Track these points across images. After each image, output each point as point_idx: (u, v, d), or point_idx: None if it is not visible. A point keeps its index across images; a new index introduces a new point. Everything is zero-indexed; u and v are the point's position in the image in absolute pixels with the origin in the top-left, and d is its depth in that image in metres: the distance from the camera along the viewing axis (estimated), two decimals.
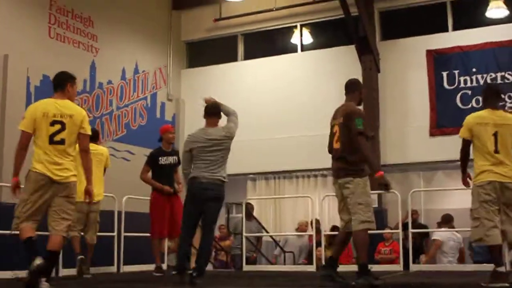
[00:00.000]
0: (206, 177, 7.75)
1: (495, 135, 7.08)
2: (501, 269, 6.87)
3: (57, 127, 6.74)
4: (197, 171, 7.81)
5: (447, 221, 13.04)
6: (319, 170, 15.83)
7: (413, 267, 11.12)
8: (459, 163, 7.41)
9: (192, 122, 17.12)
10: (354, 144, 7.21)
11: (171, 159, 10.40)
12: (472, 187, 7.24)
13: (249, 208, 13.71)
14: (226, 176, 7.91)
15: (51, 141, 6.69)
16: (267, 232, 15.28)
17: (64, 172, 6.64)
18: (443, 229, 12.98)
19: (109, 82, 15.38)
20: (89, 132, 7.09)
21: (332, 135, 7.53)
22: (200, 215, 7.86)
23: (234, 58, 17.78)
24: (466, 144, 7.28)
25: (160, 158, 10.32)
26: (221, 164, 7.88)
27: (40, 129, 6.71)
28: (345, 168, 7.27)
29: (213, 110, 8.22)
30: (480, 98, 8.43)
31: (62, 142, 6.71)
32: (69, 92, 7.22)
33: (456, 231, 12.92)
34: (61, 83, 7.27)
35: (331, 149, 7.56)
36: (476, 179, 7.16)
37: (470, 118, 7.31)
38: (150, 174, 10.41)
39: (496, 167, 7.04)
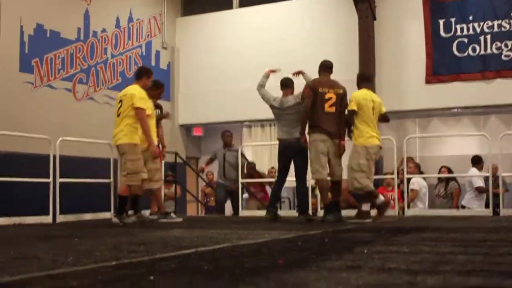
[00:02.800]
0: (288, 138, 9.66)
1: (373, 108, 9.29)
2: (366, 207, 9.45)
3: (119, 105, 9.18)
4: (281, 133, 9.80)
5: (476, 162, 13.00)
6: None
7: (409, 212, 11.45)
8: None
9: (186, 70, 17.10)
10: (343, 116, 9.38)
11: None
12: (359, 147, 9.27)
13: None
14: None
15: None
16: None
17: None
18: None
19: (103, 30, 15.27)
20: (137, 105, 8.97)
21: (323, 97, 9.19)
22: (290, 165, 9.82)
23: (229, 6, 17.64)
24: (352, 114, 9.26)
25: None
26: (296, 125, 9.46)
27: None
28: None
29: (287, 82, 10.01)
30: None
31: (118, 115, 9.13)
32: (144, 82, 9.37)
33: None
34: (139, 75, 9.44)
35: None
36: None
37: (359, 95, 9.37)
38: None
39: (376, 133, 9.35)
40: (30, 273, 3.38)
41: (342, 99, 9.30)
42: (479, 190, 12.57)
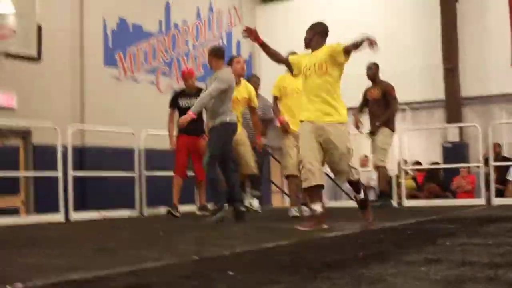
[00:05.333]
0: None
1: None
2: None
3: None
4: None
5: None
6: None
7: (496, 201, 10.73)
8: None
9: (268, 60, 17.06)
10: None
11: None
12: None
13: None
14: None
15: None
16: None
17: None
18: None
19: (184, 22, 15.42)
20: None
21: None
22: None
23: None
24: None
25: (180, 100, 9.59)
26: None
27: None
28: None
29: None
30: None
31: None
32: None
33: None
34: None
35: None
36: None
37: None
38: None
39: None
40: (113, 269, 3.46)
41: None
42: None
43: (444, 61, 14.77)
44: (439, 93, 14.90)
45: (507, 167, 13.00)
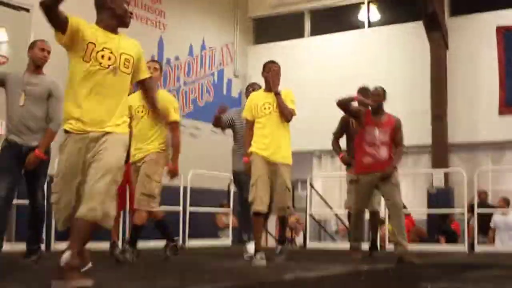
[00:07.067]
0: None
1: None
2: None
3: None
4: None
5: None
6: None
7: (478, 248, 10.86)
8: None
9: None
10: None
11: None
12: None
13: None
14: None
15: None
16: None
17: None
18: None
19: (177, 58, 15.53)
20: None
21: None
22: None
23: (300, 34, 17.74)
24: None
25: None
26: None
27: None
28: None
29: None
30: None
31: None
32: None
33: None
34: None
35: None
36: None
37: None
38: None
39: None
40: None
41: None
42: None
43: (433, 107, 14.88)
44: (426, 139, 14.96)
45: (491, 215, 13.10)
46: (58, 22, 4.24)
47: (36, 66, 6.73)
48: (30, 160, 6.40)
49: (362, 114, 8.05)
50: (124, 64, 4.48)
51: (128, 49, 4.57)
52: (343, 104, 7.90)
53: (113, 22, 4.53)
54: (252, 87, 8.29)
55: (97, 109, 4.34)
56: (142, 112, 7.04)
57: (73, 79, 4.38)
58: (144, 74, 4.72)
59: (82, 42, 4.34)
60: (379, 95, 8.21)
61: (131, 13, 4.69)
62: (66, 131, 4.41)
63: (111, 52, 4.42)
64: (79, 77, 4.34)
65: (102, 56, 4.38)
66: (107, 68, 4.38)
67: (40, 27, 11.19)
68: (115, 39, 4.49)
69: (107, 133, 4.32)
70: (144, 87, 4.87)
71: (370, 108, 8.01)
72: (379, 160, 7.74)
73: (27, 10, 11.30)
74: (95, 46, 4.36)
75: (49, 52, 6.74)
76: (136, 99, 6.96)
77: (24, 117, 6.48)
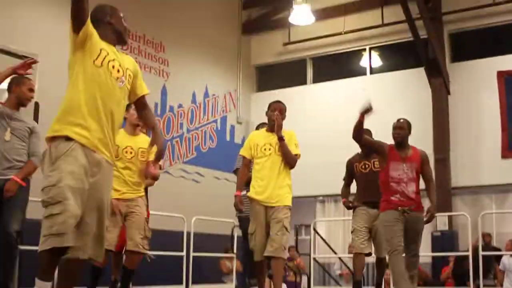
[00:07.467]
0: None
1: None
2: None
3: None
4: None
5: None
6: None
7: None
8: None
9: None
10: None
11: None
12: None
13: None
14: None
15: None
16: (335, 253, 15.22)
17: None
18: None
19: (180, 105, 15.65)
20: None
21: None
22: None
23: (303, 82, 17.89)
24: None
25: None
26: None
27: None
28: None
29: None
30: None
31: None
32: None
33: None
34: None
35: None
36: None
37: None
38: None
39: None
40: None
41: None
42: None
43: (435, 151, 14.93)
44: None
45: (496, 257, 13.06)
46: (79, 17, 4.11)
47: (21, 104, 6.75)
48: (7, 186, 6.29)
49: (385, 149, 7.53)
50: (128, 80, 4.46)
51: (130, 66, 4.52)
52: (357, 131, 7.50)
53: (113, 37, 4.45)
54: (262, 127, 8.22)
55: (102, 127, 4.22)
56: (131, 153, 6.88)
57: (78, 81, 4.32)
58: (145, 90, 4.66)
59: (96, 46, 4.26)
60: (403, 128, 7.73)
61: (129, 31, 4.69)
62: (68, 138, 4.14)
63: (120, 65, 4.39)
64: (88, 79, 4.25)
65: (113, 67, 4.32)
66: (116, 80, 4.33)
67: (46, 76, 11.48)
68: (118, 54, 4.46)
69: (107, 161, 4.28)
70: (143, 104, 4.70)
71: (393, 143, 7.72)
72: (408, 197, 7.32)
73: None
74: (108, 54, 4.31)
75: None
76: (124, 139, 6.83)
77: (8, 152, 6.43)
